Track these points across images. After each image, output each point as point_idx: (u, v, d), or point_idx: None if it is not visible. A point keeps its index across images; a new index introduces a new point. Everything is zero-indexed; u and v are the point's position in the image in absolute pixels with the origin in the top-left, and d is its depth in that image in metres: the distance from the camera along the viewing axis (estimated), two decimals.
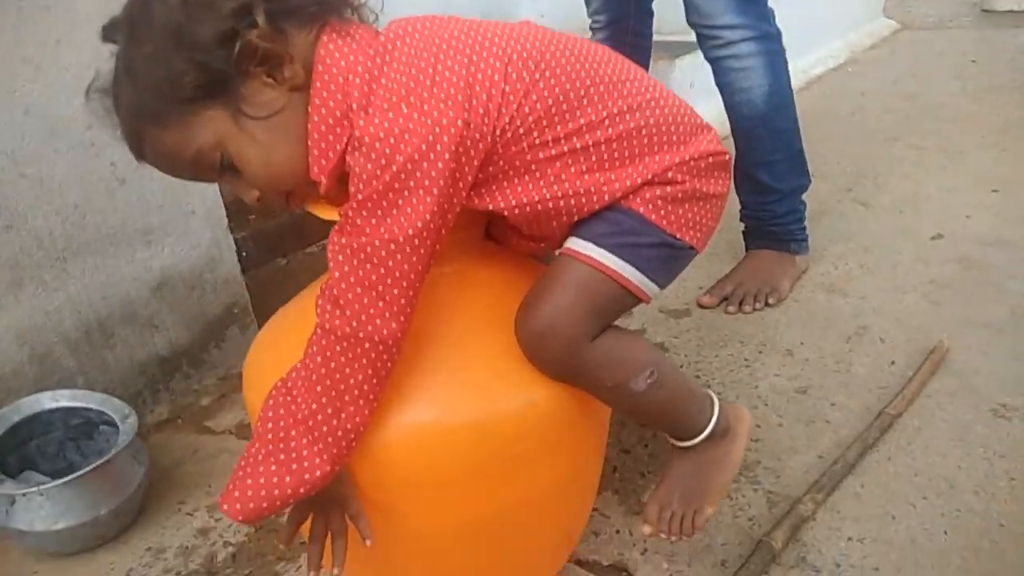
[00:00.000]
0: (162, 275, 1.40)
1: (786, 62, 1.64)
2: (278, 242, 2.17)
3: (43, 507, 1.09)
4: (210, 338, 1.51)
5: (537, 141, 0.77)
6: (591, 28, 2.01)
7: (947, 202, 2.06)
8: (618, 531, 1.11)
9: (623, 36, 1.97)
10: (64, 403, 1.22)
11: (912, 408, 1.29)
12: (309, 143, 0.75)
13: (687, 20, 1.62)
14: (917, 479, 1.15)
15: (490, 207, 0.80)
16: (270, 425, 0.75)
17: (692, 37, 1.68)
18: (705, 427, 0.90)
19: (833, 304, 1.64)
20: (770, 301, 1.63)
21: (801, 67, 3.33)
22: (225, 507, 0.74)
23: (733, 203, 1.64)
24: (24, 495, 1.09)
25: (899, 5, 4.81)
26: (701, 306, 1.66)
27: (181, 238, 1.41)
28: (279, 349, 0.89)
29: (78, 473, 1.09)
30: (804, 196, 1.74)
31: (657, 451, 1.25)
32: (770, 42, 1.60)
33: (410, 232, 0.71)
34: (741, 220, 1.77)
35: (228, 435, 1.40)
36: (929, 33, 4.10)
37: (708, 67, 1.67)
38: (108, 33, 0.76)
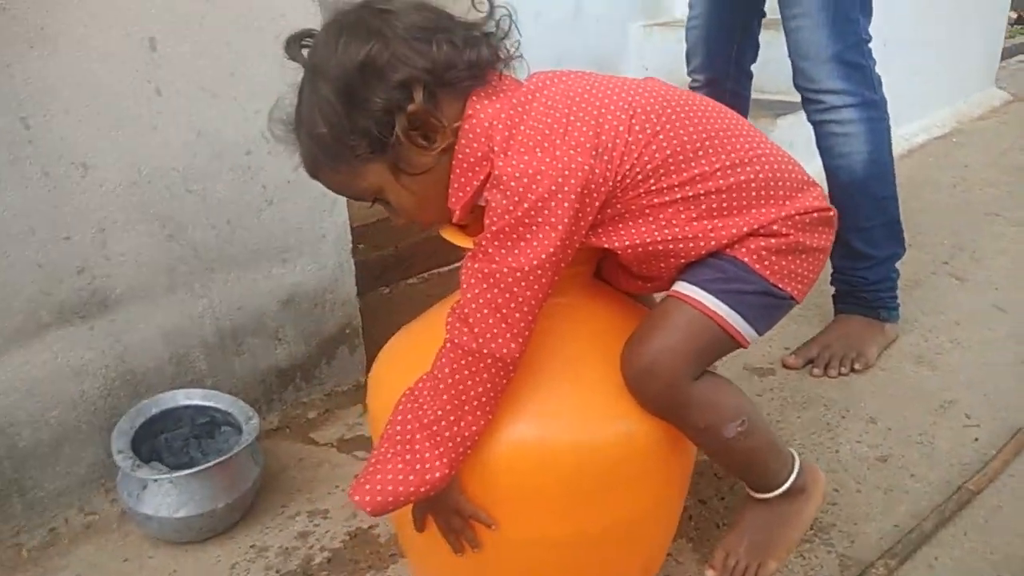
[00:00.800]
0: (291, 291, 1.54)
1: (889, 130, 1.69)
2: (381, 272, 2.33)
3: (170, 494, 1.22)
4: (323, 355, 1.64)
5: (654, 188, 0.87)
6: (690, 86, 2.09)
7: None
8: None
9: (721, 96, 2.04)
10: (196, 401, 1.36)
11: (993, 486, 1.31)
12: (452, 178, 0.87)
13: (793, 83, 1.69)
14: (993, 556, 1.17)
15: (605, 245, 0.90)
16: (398, 428, 0.86)
17: (795, 97, 1.75)
18: (784, 482, 0.97)
19: (920, 376, 1.66)
20: (856, 367, 1.66)
21: (904, 134, 3.33)
22: (356, 498, 0.85)
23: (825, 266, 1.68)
24: (156, 481, 1.23)
25: (1013, 76, 4.72)
26: (786, 367, 1.70)
27: (312, 258, 1.55)
28: (402, 363, 1.00)
29: (206, 465, 1.22)
30: (898, 265, 1.77)
31: (733, 504, 1.30)
32: (873, 109, 1.66)
33: (535, 263, 0.82)
34: (832, 283, 1.81)
35: (330, 448, 1.53)
36: None
37: (809, 128, 1.73)
38: (291, 50, 0.90)
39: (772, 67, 2.11)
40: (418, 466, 0.84)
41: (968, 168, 3.05)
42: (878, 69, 1.69)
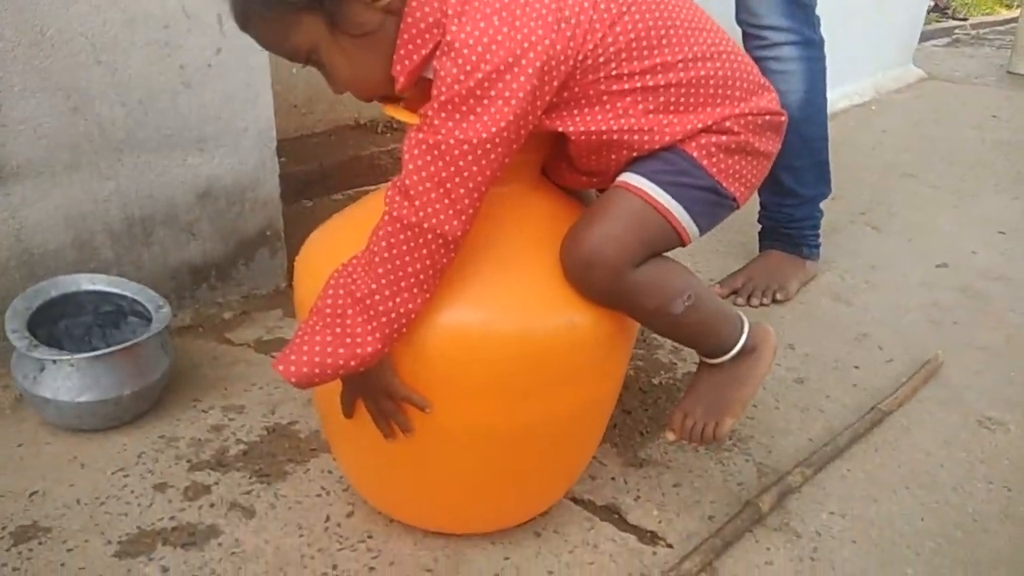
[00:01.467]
0: (208, 184, 1.45)
1: (825, 71, 1.71)
2: (304, 187, 2.24)
3: (71, 378, 1.14)
4: (241, 255, 1.56)
5: (614, 73, 0.83)
6: None
7: (955, 237, 2.13)
8: (613, 478, 1.16)
9: None
10: (101, 287, 1.26)
11: (903, 409, 1.36)
12: (397, 43, 0.81)
13: (736, 18, 1.68)
14: (900, 470, 1.22)
15: (560, 129, 0.85)
16: (329, 302, 0.81)
17: (736, 33, 1.74)
18: (735, 345, 0.97)
19: (837, 310, 1.70)
20: (778, 298, 1.69)
21: (829, 97, 3.40)
22: (280, 368, 0.79)
23: (751, 205, 1.70)
24: (55, 362, 1.13)
25: (928, 58, 4.90)
26: None
27: (231, 152, 1.46)
28: (331, 246, 0.94)
29: (110, 349, 1.14)
30: (822, 205, 1.80)
31: (657, 415, 1.30)
32: (813, 49, 1.67)
33: (484, 136, 0.77)
34: (759, 220, 1.83)
35: (247, 348, 1.45)
36: (954, 86, 4.18)
37: None
38: None
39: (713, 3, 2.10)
40: (348, 339, 0.79)
41: (886, 134, 3.15)
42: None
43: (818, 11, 1.70)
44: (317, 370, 0.79)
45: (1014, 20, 7.10)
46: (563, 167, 0.96)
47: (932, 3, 6.31)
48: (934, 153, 2.91)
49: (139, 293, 1.26)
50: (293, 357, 0.79)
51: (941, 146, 3.00)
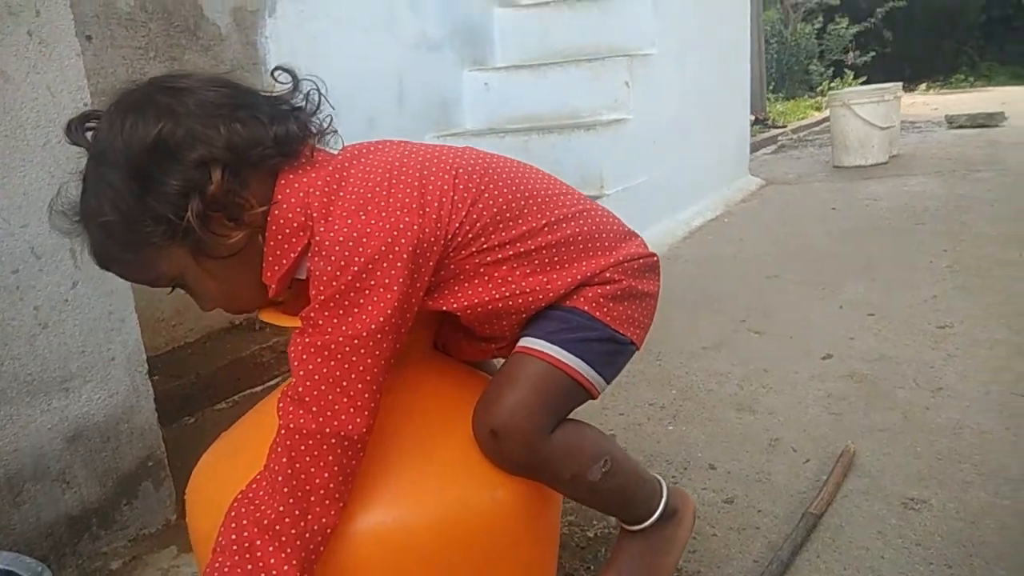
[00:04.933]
0: (77, 425, 1.34)
1: None
2: (184, 402, 2.12)
3: None
4: (123, 495, 1.43)
5: (485, 246, 0.85)
6: None
7: (831, 327, 2.25)
8: None
9: None
10: None
11: (832, 509, 1.36)
12: (265, 251, 0.80)
13: None
14: (846, 572, 1.20)
15: (444, 308, 0.85)
16: (233, 536, 0.74)
17: None
18: (655, 510, 0.94)
19: (744, 421, 1.73)
20: None
21: (683, 219, 3.64)
22: None
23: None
24: None
25: (762, 166, 5.37)
26: None
27: (99, 385, 1.37)
28: (225, 472, 0.88)
29: None
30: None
31: (599, 571, 1.25)
32: None
33: (372, 327, 0.75)
34: None
35: None
36: (791, 187, 4.57)
37: None
38: (73, 135, 0.81)
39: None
40: (263, 575, 0.72)
41: (743, 241, 3.36)
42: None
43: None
44: None
45: (826, 120, 7.97)
46: (461, 340, 0.95)
47: (753, 117, 7.00)
48: (788, 251, 3.12)
49: (13, 563, 1.11)
50: None
51: (793, 244, 3.22)
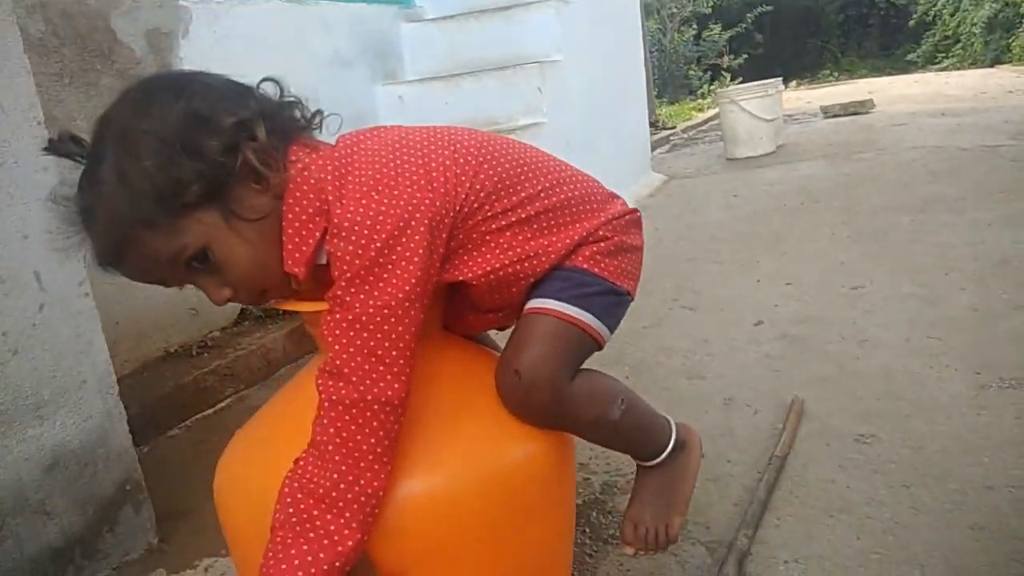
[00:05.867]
0: (54, 453, 1.30)
1: None
2: (132, 434, 2.07)
3: None
4: (103, 522, 1.39)
5: (489, 213, 0.90)
6: None
7: (755, 298, 2.40)
8: None
9: None
10: None
11: (793, 451, 1.48)
12: (284, 239, 0.83)
13: None
14: (819, 503, 1.31)
15: (459, 278, 0.90)
16: (291, 511, 0.76)
17: None
18: (668, 443, 1.02)
19: (697, 387, 1.84)
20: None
21: None
22: None
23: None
24: None
25: (661, 163, 5.62)
26: None
27: (73, 410, 1.33)
28: (257, 462, 0.90)
29: None
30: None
31: (597, 533, 1.32)
32: None
33: (400, 296, 0.80)
34: None
35: None
36: (692, 180, 4.81)
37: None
38: (59, 147, 0.82)
39: None
40: (326, 540, 0.75)
41: (658, 231, 3.52)
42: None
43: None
44: None
45: (712, 119, 8.39)
46: (466, 314, 1.00)
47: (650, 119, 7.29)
48: (702, 236, 3.30)
49: None
50: None
51: (704, 231, 3.40)
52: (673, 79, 13.44)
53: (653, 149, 6.22)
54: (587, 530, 1.32)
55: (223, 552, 1.45)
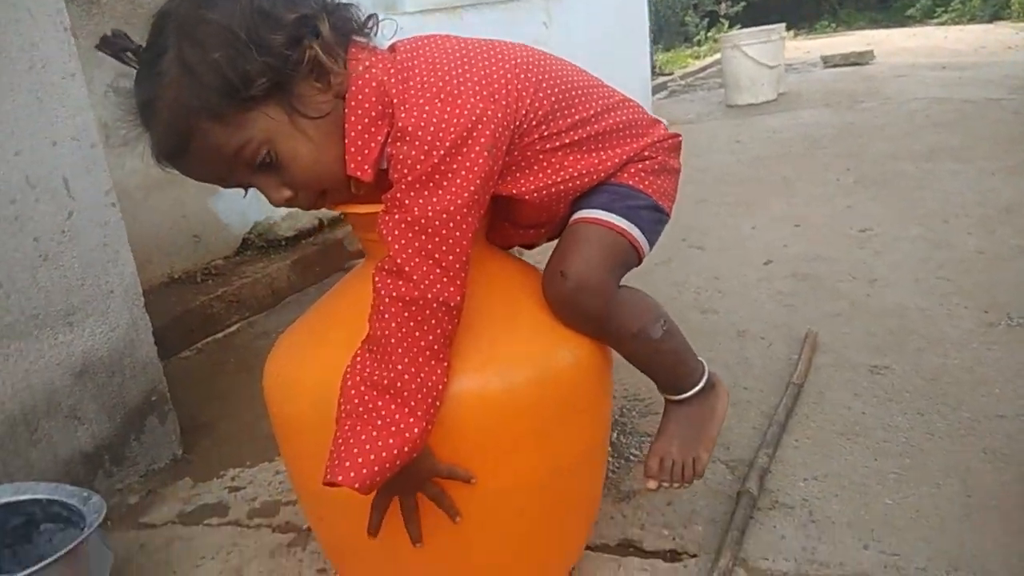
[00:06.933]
0: (84, 359, 1.31)
1: None
2: (174, 339, 2.08)
3: None
4: (130, 430, 1.41)
5: (546, 133, 0.91)
6: None
7: (764, 238, 2.42)
8: (612, 517, 1.18)
9: None
10: (6, 498, 1.09)
11: (809, 379, 1.51)
12: (347, 141, 0.83)
13: None
14: (835, 426, 1.35)
15: (512, 192, 0.91)
16: (356, 401, 0.78)
17: None
18: (701, 377, 1.03)
19: (709, 320, 1.87)
20: None
21: None
22: (340, 478, 0.75)
23: None
24: None
25: (660, 109, 5.57)
26: None
27: (101, 319, 1.34)
28: (309, 357, 0.91)
29: (48, 560, 0.98)
30: None
31: (613, 449, 1.35)
32: None
33: (459, 202, 0.80)
34: None
35: (174, 525, 1.31)
36: (692, 126, 4.78)
37: None
38: (113, 43, 0.81)
39: None
40: (393, 428, 0.77)
41: None
42: None
43: None
44: (376, 467, 0.75)
45: (709, 67, 8.30)
46: (507, 227, 1.01)
47: None
48: (708, 179, 3.30)
49: (55, 492, 1.10)
50: (347, 463, 0.75)
51: (710, 174, 3.40)
52: (669, 25, 13.23)
53: (652, 95, 6.17)
54: (609, 448, 1.35)
55: (248, 463, 1.48)
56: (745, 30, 5.78)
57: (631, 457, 1.34)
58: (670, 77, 7.91)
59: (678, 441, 1.04)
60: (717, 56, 7.15)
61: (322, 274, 2.69)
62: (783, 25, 5.54)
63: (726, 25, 12.12)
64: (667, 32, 13.29)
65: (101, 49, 0.82)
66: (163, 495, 1.40)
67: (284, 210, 2.74)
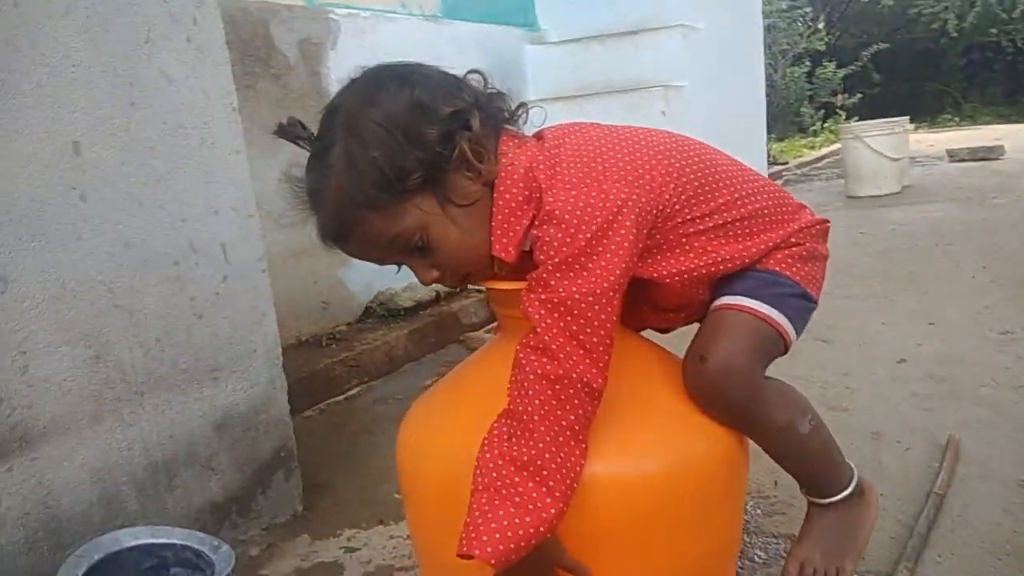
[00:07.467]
0: (224, 414, 1.38)
1: None
2: (298, 399, 2.16)
3: None
4: (258, 484, 1.46)
5: (688, 217, 0.92)
6: None
7: (896, 335, 2.32)
8: None
9: None
10: (145, 540, 1.14)
11: (952, 490, 1.41)
12: (494, 224, 0.86)
13: None
14: (983, 544, 1.25)
15: (654, 275, 0.91)
16: (494, 475, 0.79)
17: None
18: (849, 482, 0.98)
19: (840, 419, 1.78)
20: None
21: None
22: (476, 552, 0.75)
23: None
24: None
25: None
26: None
27: (243, 376, 1.41)
28: (443, 425, 0.93)
29: None
30: None
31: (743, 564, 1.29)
32: None
33: (605, 286, 0.82)
34: None
35: None
36: None
37: None
38: (289, 131, 0.87)
39: None
40: (530, 506, 0.77)
41: None
42: None
43: None
44: (512, 544, 0.75)
45: (826, 157, 8.17)
46: (645, 310, 1.01)
47: None
48: (831, 271, 3.17)
49: (188, 538, 1.15)
50: (485, 537, 0.75)
51: (834, 266, 3.22)
52: (783, 116, 13.16)
53: None
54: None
55: (364, 525, 1.49)
56: (867, 122, 5.68)
57: (755, 558, 1.28)
58: (785, 166, 7.82)
59: (822, 548, 0.99)
60: (834, 147, 7.03)
61: (437, 344, 2.75)
62: (907, 118, 5.42)
63: (843, 116, 11.95)
64: (781, 122, 13.21)
65: (279, 135, 0.90)
66: (282, 550, 1.43)
67: (405, 280, 2.83)
